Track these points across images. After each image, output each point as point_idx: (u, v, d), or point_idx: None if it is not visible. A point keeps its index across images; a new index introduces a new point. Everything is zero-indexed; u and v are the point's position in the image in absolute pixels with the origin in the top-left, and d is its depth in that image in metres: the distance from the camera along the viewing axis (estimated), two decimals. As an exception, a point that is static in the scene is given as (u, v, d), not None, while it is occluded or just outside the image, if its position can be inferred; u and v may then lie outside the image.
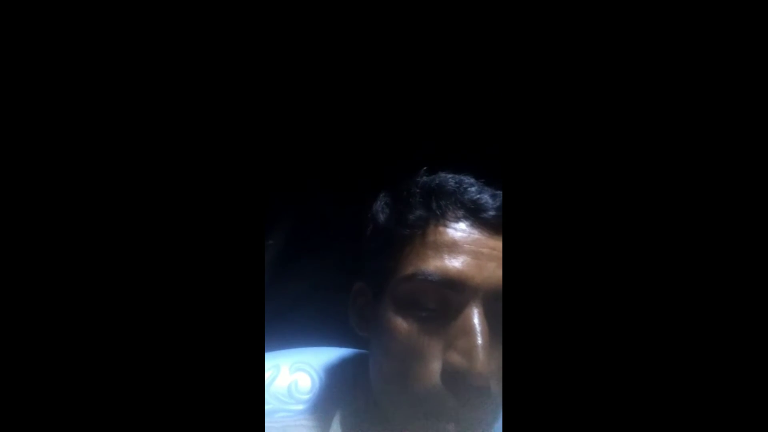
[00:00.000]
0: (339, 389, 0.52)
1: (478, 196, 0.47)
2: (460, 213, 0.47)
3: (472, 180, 0.50)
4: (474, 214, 0.47)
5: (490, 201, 0.47)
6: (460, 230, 0.46)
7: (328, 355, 0.56)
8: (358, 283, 0.53)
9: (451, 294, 0.44)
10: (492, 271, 0.45)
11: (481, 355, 0.42)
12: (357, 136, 0.79)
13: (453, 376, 0.43)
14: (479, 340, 0.43)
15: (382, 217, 0.50)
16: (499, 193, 0.48)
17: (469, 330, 0.43)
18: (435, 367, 0.44)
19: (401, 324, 0.45)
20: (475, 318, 0.43)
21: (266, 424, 0.50)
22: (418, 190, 0.49)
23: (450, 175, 0.50)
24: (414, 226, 0.47)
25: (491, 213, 0.47)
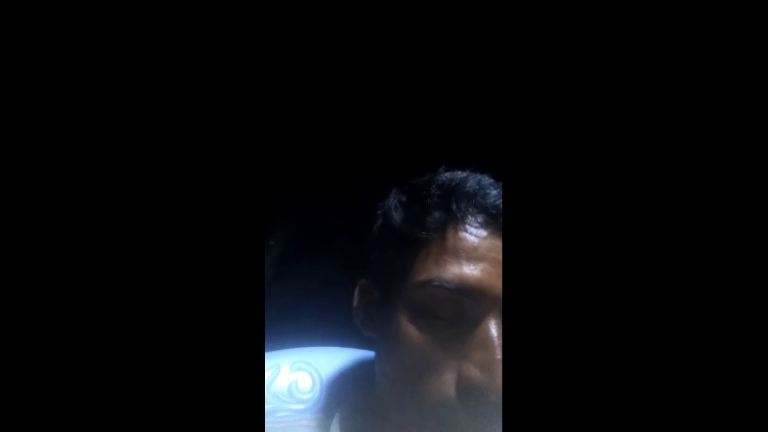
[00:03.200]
0: (340, 389, 0.52)
1: (501, 200, 0.45)
2: (481, 218, 0.44)
3: (493, 181, 0.47)
4: (496, 219, 0.44)
5: None
6: (480, 236, 0.44)
7: (329, 354, 0.56)
8: (364, 280, 0.51)
9: (469, 303, 0.42)
10: None
11: (499, 369, 0.40)
12: (359, 134, 0.79)
13: (469, 390, 0.41)
14: (498, 354, 0.41)
15: (395, 215, 0.47)
16: None
17: (487, 343, 0.41)
18: (448, 378, 0.42)
19: (414, 332, 0.43)
20: (494, 330, 0.41)
21: (266, 424, 0.50)
22: (436, 191, 0.46)
23: (470, 175, 0.47)
24: (431, 229, 0.45)
25: None
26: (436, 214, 0.45)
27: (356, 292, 0.51)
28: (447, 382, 0.42)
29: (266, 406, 0.51)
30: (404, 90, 0.79)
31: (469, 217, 0.44)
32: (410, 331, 0.44)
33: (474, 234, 0.44)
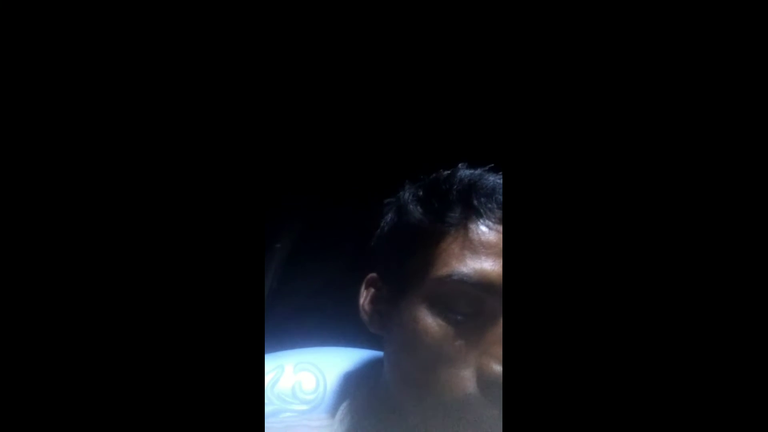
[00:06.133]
0: (344, 389, 0.52)
1: None
2: (500, 214, 0.45)
3: None
4: None
5: None
6: (499, 231, 0.44)
7: (332, 355, 0.56)
8: (371, 275, 0.50)
9: (489, 298, 0.42)
10: None
11: None
12: (363, 136, 0.79)
13: (490, 385, 0.41)
14: None
15: (412, 210, 0.47)
16: None
17: None
18: (468, 373, 0.42)
19: (432, 326, 0.43)
20: None
21: (270, 425, 0.50)
22: (457, 186, 0.46)
23: (488, 173, 0.48)
24: (451, 224, 0.45)
25: None
26: (457, 209, 0.45)
27: (362, 288, 0.51)
28: (466, 377, 0.42)
29: (270, 407, 0.51)
30: (407, 92, 0.79)
31: (489, 213, 0.45)
32: (428, 325, 0.43)
33: (493, 229, 0.44)
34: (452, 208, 0.45)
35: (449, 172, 0.48)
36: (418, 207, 0.47)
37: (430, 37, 0.77)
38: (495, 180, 0.47)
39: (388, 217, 0.50)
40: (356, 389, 0.51)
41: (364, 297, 0.50)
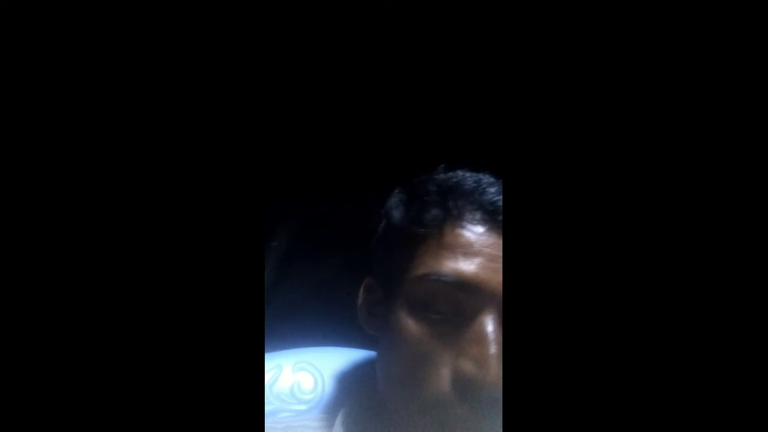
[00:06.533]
0: (342, 389, 0.52)
1: (498, 197, 0.46)
2: (478, 214, 0.45)
3: (492, 179, 0.48)
4: (493, 216, 0.45)
5: None
6: (477, 232, 0.45)
7: (331, 355, 0.56)
8: (368, 279, 0.51)
9: (465, 297, 0.43)
10: None
11: (494, 364, 0.41)
12: (363, 136, 0.79)
13: (465, 384, 0.42)
14: (493, 349, 0.41)
15: (396, 214, 0.48)
16: None
17: (483, 337, 0.42)
18: (445, 372, 0.42)
19: (411, 326, 0.44)
20: (489, 325, 0.42)
21: (268, 425, 0.50)
22: (435, 189, 0.47)
23: (469, 174, 0.48)
24: (429, 226, 0.46)
25: None
26: (434, 211, 0.46)
27: (361, 291, 0.51)
28: (443, 376, 0.42)
29: (268, 407, 0.51)
30: (406, 92, 0.79)
31: (467, 214, 0.45)
32: (408, 325, 0.44)
33: (471, 230, 0.45)
34: (430, 211, 0.46)
35: (426, 176, 0.49)
36: (402, 211, 0.48)
37: (432, 37, 0.77)
38: (473, 182, 0.47)
39: (382, 222, 0.51)
40: (354, 389, 0.51)
41: (362, 300, 0.51)
